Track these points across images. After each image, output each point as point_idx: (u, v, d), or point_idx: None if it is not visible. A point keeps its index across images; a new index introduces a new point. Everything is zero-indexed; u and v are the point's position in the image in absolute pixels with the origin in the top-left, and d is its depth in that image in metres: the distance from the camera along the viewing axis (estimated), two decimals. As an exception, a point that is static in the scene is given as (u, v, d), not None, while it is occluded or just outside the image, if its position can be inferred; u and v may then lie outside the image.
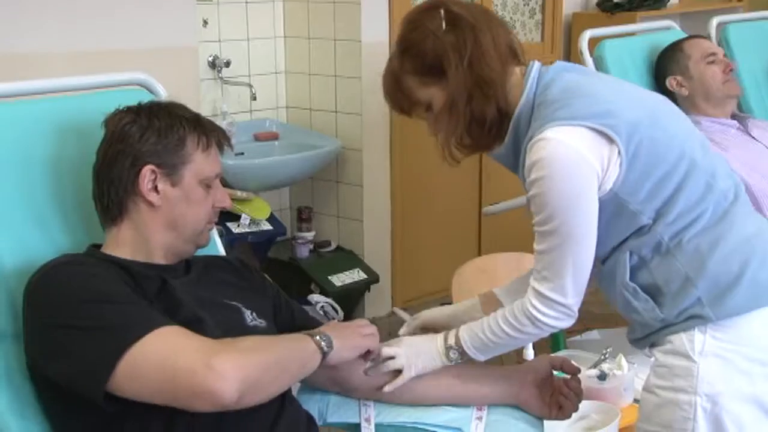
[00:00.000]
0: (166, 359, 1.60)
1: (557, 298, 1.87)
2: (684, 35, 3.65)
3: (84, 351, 1.62)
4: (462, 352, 1.97)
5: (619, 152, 1.83)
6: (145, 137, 1.81)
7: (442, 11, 1.92)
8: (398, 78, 1.99)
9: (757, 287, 1.85)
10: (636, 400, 2.48)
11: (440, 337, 2.00)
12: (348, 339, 1.87)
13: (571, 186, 1.83)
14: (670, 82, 3.29)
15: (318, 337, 1.80)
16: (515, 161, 1.96)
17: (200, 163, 1.84)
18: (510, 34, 1.99)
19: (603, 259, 1.97)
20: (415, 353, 1.99)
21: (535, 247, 1.91)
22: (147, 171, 1.80)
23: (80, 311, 1.65)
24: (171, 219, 1.83)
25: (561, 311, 1.89)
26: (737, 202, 1.92)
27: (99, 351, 1.61)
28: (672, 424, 1.88)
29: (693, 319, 1.86)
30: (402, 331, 2.15)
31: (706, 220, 1.88)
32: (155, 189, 1.81)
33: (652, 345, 1.95)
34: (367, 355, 1.93)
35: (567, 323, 1.91)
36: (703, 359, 1.85)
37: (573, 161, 1.82)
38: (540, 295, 1.88)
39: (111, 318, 1.64)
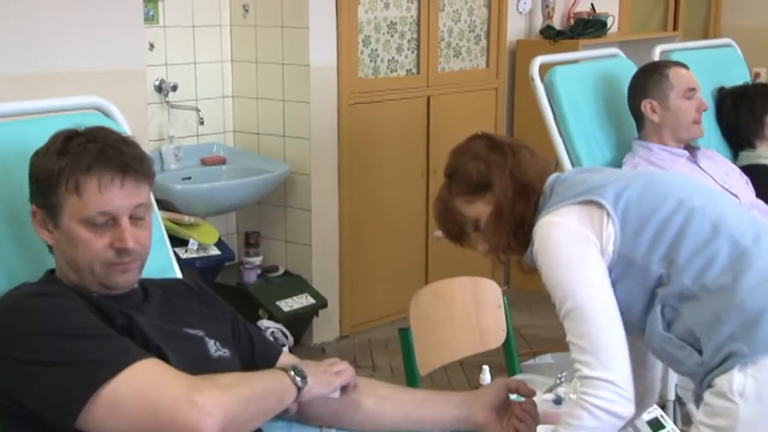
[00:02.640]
0: (148, 393, 1.59)
1: (601, 375, 1.86)
2: (629, 62, 3.71)
3: (59, 384, 1.60)
4: None
5: (608, 213, 1.95)
6: (32, 177, 1.81)
7: (483, 139, 2.17)
8: (447, 203, 2.17)
9: None
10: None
11: None
12: (321, 376, 1.87)
13: (570, 260, 1.95)
14: (645, 106, 3.29)
15: (292, 373, 1.80)
16: (533, 256, 2.05)
17: (75, 205, 1.75)
18: (546, 160, 2.23)
19: (641, 328, 1.98)
20: None
21: (567, 339, 1.95)
22: (34, 212, 1.80)
23: (55, 345, 1.63)
24: (66, 259, 1.80)
25: (610, 389, 1.86)
26: (759, 242, 1.94)
27: (76, 384, 1.59)
28: None
29: (731, 358, 1.85)
30: None
31: (724, 260, 1.91)
32: (48, 230, 1.80)
33: (704, 390, 1.93)
34: (346, 388, 1.92)
35: (623, 406, 1.86)
36: (743, 401, 1.84)
37: (565, 237, 1.96)
38: (584, 380, 1.89)
39: (88, 351, 1.63)
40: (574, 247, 1.95)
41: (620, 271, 1.94)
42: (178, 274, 2.24)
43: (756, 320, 1.85)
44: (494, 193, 2.09)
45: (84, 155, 1.74)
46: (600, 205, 1.95)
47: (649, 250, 1.94)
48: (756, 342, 1.84)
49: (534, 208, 2.08)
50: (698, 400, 1.96)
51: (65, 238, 1.77)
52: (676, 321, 1.93)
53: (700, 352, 1.90)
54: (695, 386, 1.97)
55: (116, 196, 1.75)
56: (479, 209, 2.12)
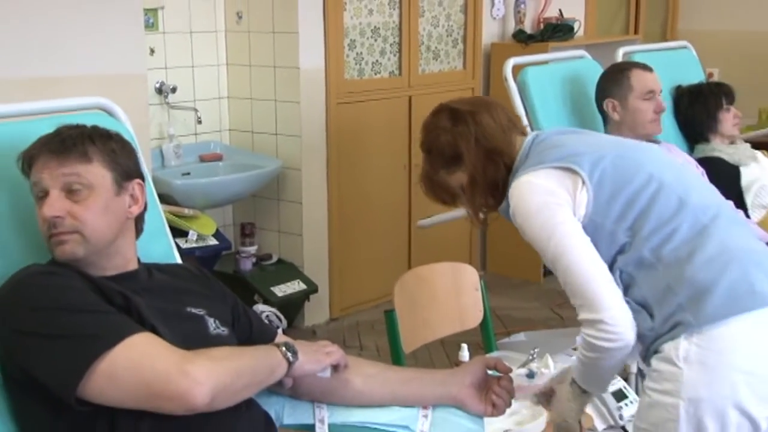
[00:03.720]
0: (142, 365, 1.60)
1: (592, 316, 1.88)
2: (595, 63, 3.71)
3: (60, 356, 1.60)
4: (579, 385, 2.03)
5: (583, 181, 1.95)
6: None
7: (445, 112, 2.15)
8: (432, 178, 2.20)
9: (735, 294, 1.85)
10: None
11: (570, 380, 2.05)
12: (312, 354, 1.87)
13: (544, 214, 1.95)
14: (607, 104, 3.30)
15: (284, 349, 1.80)
16: (508, 211, 2.06)
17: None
18: (509, 111, 2.22)
19: None
20: (558, 400, 2.09)
21: (563, 286, 1.97)
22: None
23: (57, 319, 1.63)
24: None
25: (604, 329, 1.87)
26: (719, 219, 1.94)
27: (74, 356, 1.59)
28: (658, 424, 1.89)
29: (678, 327, 1.86)
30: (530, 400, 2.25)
31: (684, 234, 1.91)
32: None
33: (651, 356, 1.94)
34: (336, 368, 1.92)
35: (618, 338, 1.87)
36: (687, 366, 1.85)
37: (540, 194, 1.96)
38: (583, 323, 1.91)
39: (88, 324, 1.63)
40: (549, 203, 1.95)
41: (588, 233, 1.94)
42: (178, 260, 2.22)
43: (704, 293, 1.85)
44: (466, 163, 2.11)
45: (38, 142, 1.79)
46: (576, 173, 1.95)
47: (618, 219, 1.94)
48: (702, 313, 1.84)
49: (504, 169, 2.10)
50: (646, 359, 1.98)
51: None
52: (632, 287, 1.93)
53: (652, 317, 1.90)
54: (642, 349, 1.98)
55: (45, 169, 1.76)
56: (460, 178, 2.14)
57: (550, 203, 1.95)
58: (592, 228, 1.94)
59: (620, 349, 1.88)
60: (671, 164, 2.07)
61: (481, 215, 2.20)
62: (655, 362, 1.91)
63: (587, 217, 1.95)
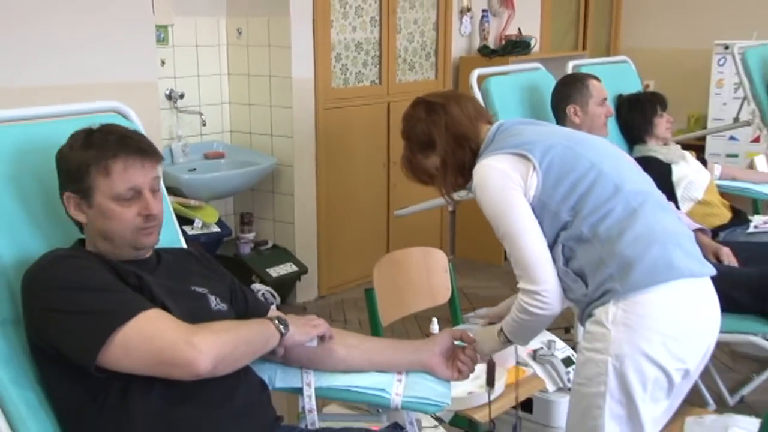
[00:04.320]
0: (154, 336, 1.60)
1: (529, 286, 1.94)
2: (549, 74, 3.72)
3: (82, 330, 1.60)
4: (506, 336, 2.06)
5: (534, 167, 1.98)
6: (62, 171, 1.78)
7: (421, 104, 2.20)
8: (410, 161, 2.23)
9: (656, 267, 1.89)
10: (518, 363, 2.51)
11: (496, 327, 2.09)
12: (301, 326, 1.88)
13: (501, 195, 1.99)
14: (570, 109, 3.29)
15: (277, 322, 1.81)
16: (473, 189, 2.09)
17: (105, 185, 1.73)
18: (476, 103, 2.25)
19: None
20: (483, 340, 2.11)
21: (509, 257, 2.01)
22: (68, 197, 1.77)
23: (79, 297, 1.63)
24: (100, 231, 1.77)
25: (537, 299, 1.93)
26: (647, 204, 1.98)
27: (94, 329, 1.59)
28: (591, 378, 1.93)
29: (608, 294, 1.91)
30: (481, 323, 2.28)
31: (617, 215, 1.95)
32: (81, 210, 1.77)
33: (586, 319, 1.99)
34: (322, 338, 1.93)
35: (548, 308, 1.94)
36: (614, 327, 1.89)
37: (498, 176, 1.99)
38: (520, 290, 1.96)
39: (106, 301, 1.63)
40: (504, 185, 1.98)
41: (536, 213, 1.98)
42: (183, 245, 2.20)
43: (630, 266, 1.89)
44: (438, 148, 2.14)
45: (108, 145, 1.74)
46: (529, 159, 1.98)
47: (562, 200, 1.97)
48: (628, 283, 1.89)
49: (471, 153, 2.13)
50: (582, 321, 2.02)
51: (99, 213, 1.75)
52: (572, 259, 1.97)
53: (586, 285, 1.94)
54: (579, 312, 2.02)
55: (138, 173, 1.75)
56: (434, 161, 2.17)
57: (506, 186, 1.98)
58: (540, 207, 1.98)
59: (548, 316, 1.95)
60: (611, 155, 2.09)
61: (453, 194, 2.22)
62: (588, 325, 1.96)
63: (536, 197, 1.98)
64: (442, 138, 2.13)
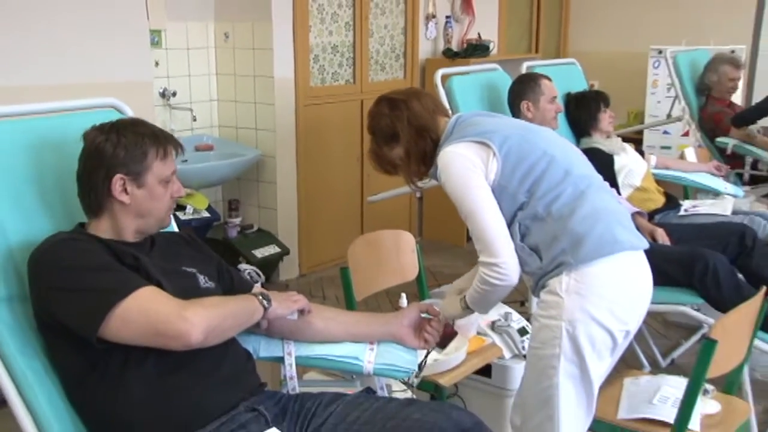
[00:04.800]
0: (149, 310, 1.59)
1: (489, 260, 1.93)
2: (505, 74, 3.72)
3: (84, 305, 1.59)
4: (467, 304, 2.07)
5: (494, 153, 1.98)
6: (115, 153, 1.74)
7: (384, 101, 2.18)
8: (376, 152, 2.21)
9: (602, 242, 1.92)
10: (479, 333, 2.52)
11: (461, 298, 2.09)
12: (282, 301, 1.86)
13: (463, 177, 1.98)
14: (523, 105, 3.29)
15: (260, 297, 1.80)
16: (437, 174, 2.08)
17: (159, 168, 1.77)
18: (435, 99, 2.23)
19: None
20: (445, 307, 2.14)
21: (471, 235, 1.99)
22: (117, 179, 1.73)
23: (81, 276, 1.62)
24: (140, 211, 1.77)
25: (496, 270, 1.92)
26: (592, 187, 2.01)
27: (95, 305, 1.58)
28: (546, 341, 1.95)
29: (560, 266, 1.93)
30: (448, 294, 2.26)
31: (567, 196, 1.97)
32: (125, 191, 1.75)
33: (540, 290, 2.00)
34: (302, 312, 1.92)
35: (506, 279, 1.93)
36: (567, 296, 1.92)
37: (461, 162, 1.99)
38: (481, 264, 1.96)
39: (106, 280, 1.62)
40: (467, 169, 1.98)
41: (496, 195, 1.98)
42: (176, 229, 2.18)
43: (580, 241, 1.92)
44: (401, 140, 2.12)
45: (156, 133, 1.78)
46: (489, 146, 1.98)
47: (519, 183, 1.98)
48: (579, 256, 1.91)
49: (431, 143, 2.11)
50: (535, 292, 2.03)
51: (147, 194, 1.76)
52: (527, 236, 1.98)
53: (541, 259, 1.96)
54: (533, 284, 2.03)
55: (173, 163, 1.81)
56: (398, 152, 2.15)
57: (468, 169, 1.98)
58: (499, 190, 1.98)
59: (505, 287, 1.95)
60: (560, 144, 2.11)
61: (417, 181, 2.22)
62: (543, 295, 1.98)
63: (496, 181, 1.98)
64: (404, 131, 2.12)
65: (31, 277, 1.66)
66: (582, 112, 3.75)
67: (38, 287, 1.64)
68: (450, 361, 2.33)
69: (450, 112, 2.29)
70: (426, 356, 2.06)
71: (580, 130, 3.77)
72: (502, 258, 1.91)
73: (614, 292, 1.93)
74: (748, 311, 2.14)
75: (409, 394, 2.36)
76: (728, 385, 2.36)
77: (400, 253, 2.77)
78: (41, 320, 1.66)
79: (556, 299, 1.92)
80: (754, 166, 4.60)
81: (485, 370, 2.57)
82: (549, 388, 1.94)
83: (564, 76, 3.88)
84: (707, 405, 2.23)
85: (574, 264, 1.91)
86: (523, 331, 2.57)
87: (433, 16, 5.53)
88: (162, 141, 1.78)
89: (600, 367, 1.95)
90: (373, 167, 2.25)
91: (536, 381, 1.98)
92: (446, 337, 2.21)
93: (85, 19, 3.44)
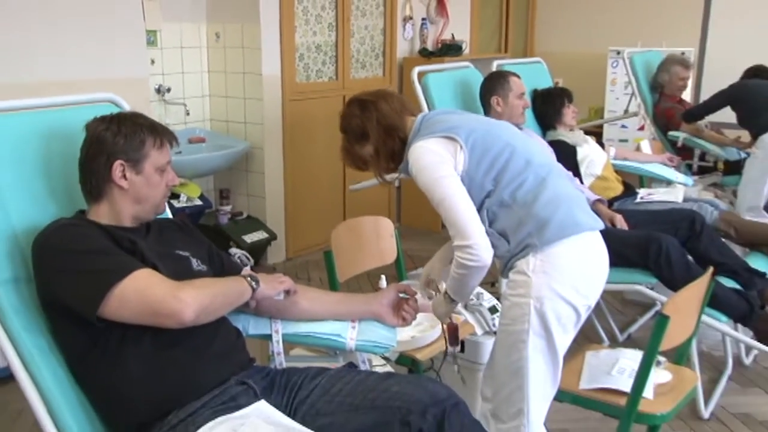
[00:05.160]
0: (145, 291, 1.58)
1: (462, 242, 1.90)
2: (477, 72, 3.71)
3: (84, 286, 1.58)
4: (451, 297, 2.04)
5: (461, 146, 1.97)
6: (115, 141, 1.73)
7: (355, 103, 2.15)
8: (348, 150, 2.18)
9: (564, 224, 1.93)
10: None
11: (444, 292, 2.07)
12: (270, 282, 1.86)
13: (433, 169, 1.96)
14: (493, 99, 3.29)
15: (249, 278, 1.80)
16: (408, 170, 2.05)
17: (155, 157, 1.76)
18: (402, 99, 2.17)
19: None
20: (435, 307, 2.14)
21: (444, 222, 1.96)
22: (117, 165, 1.73)
23: (81, 259, 1.61)
24: (138, 197, 1.76)
25: (469, 252, 1.89)
26: (551, 174, 2.01)
27: (96, 285, 1.57)
28: (516, 318, 1.95)
29: (527, 248, 1.93)
30: (420, 285, 2.24)
31: (530, 183, 1.97)
32: (124, 177, 1.74)
33: (509, 271, 1.99)
34: (288, 293, 1.91)
35: (480, 259, 1.89)
36: (534, 275, 1.92)
37: (430, 156, 1.97)
38: (455, 248, 1.92)
39: (105, 263, 1.60)
40: (437, 161, 1.96)
41: (465, 185, 1.96)
42: (170, 215, 2.16)
43: (544, 225, 1.92)
44: (371, 138, 2.10)
45: (154, 125, 1.77)
46: (456, 140, 1.97)
47: (485, 173, 1.97)
48: (544, 238, 1.91)
49: (399, 141, 2.09)
50: (504, 273, 2.02)
51: (144, 180, 1.75)
52: (495, 221, 1.97)
53: (509, 242, 1.96)
54: (501, 266, 2.03)
55: (168, 152, 1.80)
56: (368, 149, 2.12)
57: (437, 161, 1.96)
58: (468, 179, 1.97)
59: (480, 268, 1.91)
60: (520, 136, 2.10)
61: (386, 176, 2.20)
62: (511, 275, 1.98)
63: (464, 171, 1.97)
64: (374, 130, 2.10)
65: (34, 260, 1.64)
66: (548, 107, 3.76)
67: (41, 270, 1.63)
68: (426, 338, 2.34)
69: (420, 109, 2.27)
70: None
71: (546, 124, 3.78)
72: (474, 239, 1.89)
73: (577, 269, 1.94)
74: (697, 289, 2.16)
75: (388, 368, 2.36)
76: (678, 356, 2.39)
77: (380, 238, 2.77)
78: (45, 301, 1.65)
79: (524, 279, 1.92)
80: (702, 157, 4.63)
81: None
82: (519, 360, 1.95)
83: (531, 74, 3.89)
84: (660, 375, 2.26)
85: (539, 246, 1.91)
86: (493, 310, 2.58)
87: (410, 18, 5.51)
88: (159, 132, 1.78)
89: (565, 340, 1.96)
90: (345, 163, 2.23)
91: (506, 355, 1.99)
92: (452, 333, 2.20)
93: (87, 21, 3.43)
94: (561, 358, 1.98)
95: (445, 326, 2.19)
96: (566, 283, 1.92)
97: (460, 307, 2.56)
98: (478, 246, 1.89)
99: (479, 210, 1.97)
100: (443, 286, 2.10)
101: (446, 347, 2.19)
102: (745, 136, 4.28)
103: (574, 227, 1.94)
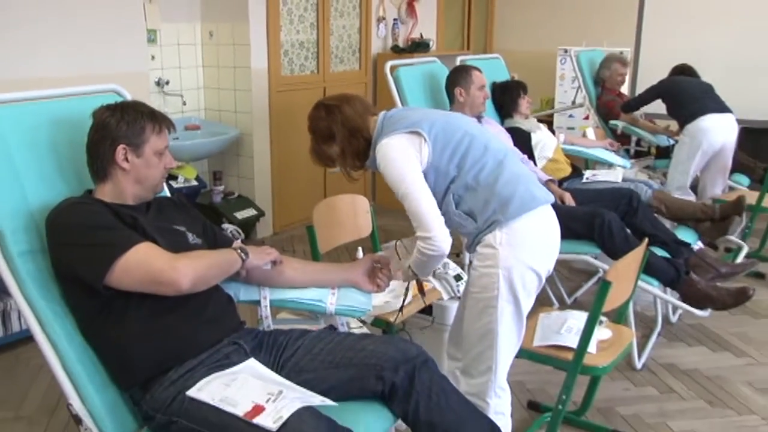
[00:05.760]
0: (146, 262, 1.56)
1: (423, 234, 1.86)
2: (443, 66, 3.68)
3: (92, 257, 1.56)
4: (414, 272, 2.01)
5: (425, 139, 1.92)
6: (119, 126, 1.70)
7: (321, 106, 2.06)
8: (316, 149, 2.09)
9: (523, 200, 1.91)
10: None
11: (408, 266, 2.02)
12: (258, 253, 1.84)
13: (399, 166, 1.91)
14: (457, 90, 3.27)
15: (239, 250, 1.78)
16: (376, 165, 1.99)
17: (154, 141, 1.73)
18: (363, 101, 2.09)
19: (440, 208, 1.97)
20: (403, 273, 2.07)
21: (408, 213, 1.91)
22: (120, 148, 1.70)
23: (89, 234, 1.59)
24: (138, 177, 1.73)
25: (431, 243, 1.86)
26: (507, 157, 1.99)
27: (101, 257, 1.56)
28: (486, 286, 1.93)
29: (493, 224, 1.91)
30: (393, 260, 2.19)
31: (490, 166, 1.94)
32: (126, 159, 1.71)
33: (476, 245, 1.97)
34: (274, 263, 1.89)
35: (439, 250, 1.86)
36: (501, 247, 1.90)
37: (396, 153, 1.92)
38: (418, 238, 1.89)
39: (110, 237, 1.58)
40: (402, 158, 1.91)
41: (431, 173, 1.93)
42: (168, 194, 2.13)
43: (507, 202, 1.90)
44: (337, 139, 2.03)
45: (154, 113, 1.74)
46: (419, 134, 1.93)
47: (448, 160, 1.94)
48: (507, 214, 1.90)
49: (364, 141, 2.03)
50: (470, 249, 2.01)
51: (145, 162, 1.71)
52: (460, 203, 1.95)
53: (476, 221, 1.93)
54: (468, 242, 2.01)
55: (166, 137, 1.77)
56: (335, 149, 2.05)
57: (402, 159, 1.91)
58: (433, 169, 1.93)
59: (439, 256, 1.89)
60: (477, 126, 2.07)
61: (353, 173, 2.13)
62: (479, 249, 1.95)
63: (429, 162, 1.93)
64: (339, 132, 2.03)
65: (47, 234, 1.62)
66: (505, 98, 3.75)
67: (54, 243, 1.61)
68: (398, 303, 2.32)
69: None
70: (404, 299, 2.09)
71: (504, 113, 3.78)
72: (434, 232, 1.85)
73: (538, 240, 1.94)
74: (634, 258, 2.17)
75: (364, 330, 2.35)
76: (618, 316, 2.41)
77: (357, 214, 2.75)
78: (57, 270, 1.62)
79: (492, 251, 1.90)
80: (638, 143, 4.67)
81: (427, 310, 2.57)
82: (489, 323, 1.94)
83: (490, 69, 3.87)
84: (601, 333, 2.28)
85: (504, 221, 1.89)
86: (458, 278, 2.57)
87: (383, 19, 5.45)
88: (158, 119, 1.74)
89: (529, 303, 1.96)
90: (313, 162, 2.15)
91: (477, 319, 1.97)
92: (420, 287, 2.21)
93: (94, 22, 3.39)
94: (525, 319, 1.97)
95: (415, 283, 2.19)
96: (530, 253, 1.91)
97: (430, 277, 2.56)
98: (437, 238, 1.85)
99: (445, 194, 1.95)
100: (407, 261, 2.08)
101: (405, 298, 2.21)
102: (674, 125, 4.31)
103: (532, 201, 1.93)
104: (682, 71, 4.40)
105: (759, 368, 2.99)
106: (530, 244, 1.92)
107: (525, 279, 1.91)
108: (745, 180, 4.41)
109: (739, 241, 3.84)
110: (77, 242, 1.57)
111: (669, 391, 2.80)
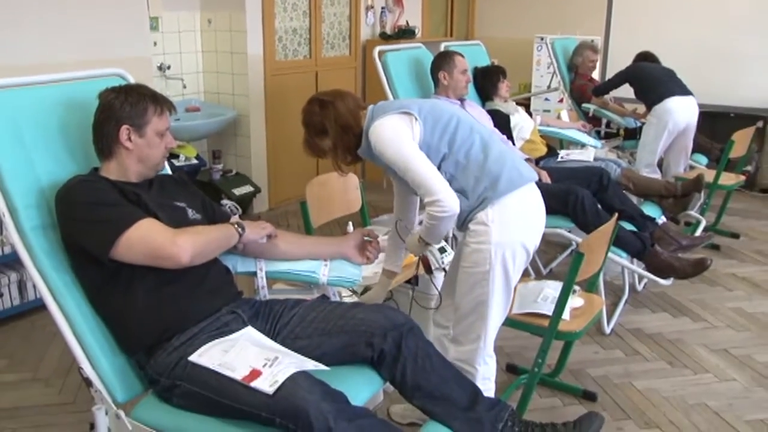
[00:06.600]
0: (148, 237, 1.55)
1: (431, 198, 1.80)
2: (428, 52, 3.63)
3: (97, 233, 1.54)
4: (424, 240, 1.94)
5: (415, 118, 1.87)
6: (123, 108, 1.67)
7: (315, 102, 1.97)
8: (309, 142, 2.00)
9: (512, 177, 1.88)
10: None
11: (417, 236, 1.96)
12: (254, 228, 1.82)
13: (395, 141, 1.85)
14: (441, 74, 3.23)
15: (237, 225, 1.76)
16: (370, 152, 1.93)
17: (156, 122, 1.69)
18: (355, 97, 2.00)
19: None
20: (410, 246, 2.03)
21: (412, 186, 1.85)
22: (123, 129, 1.67)
23: (95, 210, 1.57)
24: (140, 157, 1.70)
25: (440, 204, 1.79)
26: (491, 137, 1.95)
27: (107, 232, 1.54)
28: (478, 262, 1.88)
29: (484, 201, 1.86)
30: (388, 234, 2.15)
31: (478, 145, 1.90)
32: (129, 139, 1.67)
33: (468, 223, 1.92)
34: (270, 237, 1.87)
35: (448, 210, 1.79)
36: (492, 224, 1.86)
37: (389, 131, 1.86)
38: (426, 204, 1.83)
39: (114, 214, 1.57)
40: (396, 135, 1.85)
41: (424, 151, 1.87)
42: (169, 172, 2.08)
43: (497, 179, 1.86)
44: (330, 134, 1.95)
45: (156, 95, 1.70)
46: (410, 114, 1.87)
47: (439, 138, 1.88)
48: (497, 191, 1.86)
49: (355, 137, 1.95)
50: (461, 227, 1.96)
51: (146, 143, 1.68)
52: (453, 181, 1.88)
53: (467, 198, 1.89)
54: (460, 220, 1.95)
55: (167, 119, 1.73)
56: (327, 143, 1.96)
57: (396, 136, 1.85)
58: (426, 147, 1.87)
59: (450, 216, 1.82)
60: (461, 110, 2.02)
61: (344, 167, 2.05)
62: (471, 226, 1.90)
63: (421, 141, 1.87)
64: (332, 127, 1.95)
65: (57, 210, 1.60)
66: (486, 82, 3.71)
67: (62, 218, 1.59)
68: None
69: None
70: (417, 269, 2.07)
71: (484, 96, 3.74)
72: (441, 194, 1.80)
73: (527, 217, 1.90)
74: (604, 232, 2.17)
75: (355, 299, 2.34)
76: (589, 285, 2.42)
77: (347, 191, 2.72)
78: (66, 244, 1.61)
79: (484, 228, 1.86)
80: (608, 125, 4.65)
81: (414, 280, 2.56)
82: (481, 295, 1.91)
83: (472, 54, 3.82)
84: (575, 301, 2.28)
85: (494, 198, 1.85)
86: (442, 250, 2.56)
87: (372, 7, 5.37)
88: (159, 101, 1.71)
89: (517, 276, 1.93)
90: (307, 153, 2.06)
91: (470, 291, 1.93)
92: (426, 264, 2.18)
93: (99, 9, 3.34)
94: (513, 291, 1.95)
95: (420, 259, 2.16)
96: (520, 230, 1.88)
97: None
98: (445, 199, 1.79)
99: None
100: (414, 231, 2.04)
101: (417, 273, 2.18)
102: (641, 108, 4.30)
103: (520, 179, 1.89)
104: (645, 57, 4.39)
105: (714, 331, 3.02)
106: (520, 221, 1.88)
107: (515, 255, 1.88)
108: (703, 159, 4.42)
109: (698, 216, 3.86)
110: (83, 218, 1.55)
111: (634, 354, 2.83)
